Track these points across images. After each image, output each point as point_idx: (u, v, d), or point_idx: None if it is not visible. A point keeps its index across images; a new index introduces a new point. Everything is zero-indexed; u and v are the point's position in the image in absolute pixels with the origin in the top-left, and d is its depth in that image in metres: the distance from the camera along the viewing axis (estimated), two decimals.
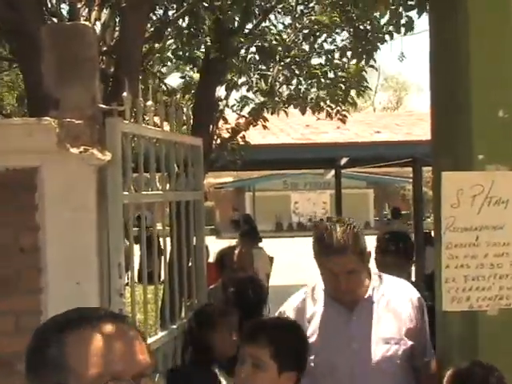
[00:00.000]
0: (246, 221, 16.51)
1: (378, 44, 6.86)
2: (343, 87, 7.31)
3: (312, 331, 2.59)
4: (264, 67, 7.15)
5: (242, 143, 7.65)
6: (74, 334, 1.15)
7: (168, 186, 3.56)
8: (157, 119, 3.66)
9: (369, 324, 2.55)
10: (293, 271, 15.90)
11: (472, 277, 2.57)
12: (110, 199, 2.85)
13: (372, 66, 7.10)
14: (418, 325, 2.62)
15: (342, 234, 2.43)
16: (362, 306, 2.58)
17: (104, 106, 2.92)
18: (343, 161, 13.22)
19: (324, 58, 7.39)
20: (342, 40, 7.30)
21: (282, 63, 7.19)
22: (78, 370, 1.13)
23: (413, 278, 10.33)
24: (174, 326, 3.62)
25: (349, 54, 7.18)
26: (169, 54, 7.12)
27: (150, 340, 3.30)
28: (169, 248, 3.77)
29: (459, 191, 2.56)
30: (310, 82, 7.45)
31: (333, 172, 15.27)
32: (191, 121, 4.24)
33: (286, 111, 7.68)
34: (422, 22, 4.07)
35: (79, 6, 5.07)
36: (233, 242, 7.03)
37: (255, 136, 9.93)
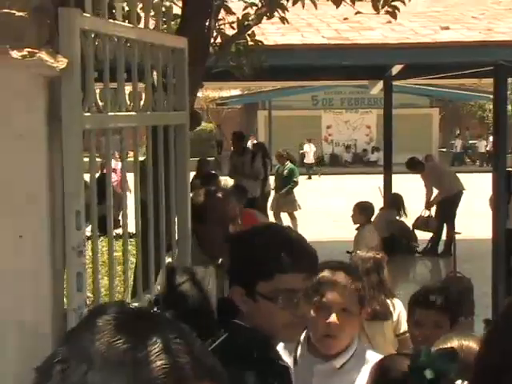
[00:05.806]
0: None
1: None
2: None
3: None
4: None
5: (251, 44, 7.56)
6: None
7: (142, 104, 3.55)
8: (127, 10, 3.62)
9: None
10: (325, 222, 15.94)
11: None
12: (65, 123, 2.86)
13: None
14: None
15: None
16: None
17: None
18: (396, 69, 13.15)
19: None
20: None
21: None
22: None
23: (489, 235, 10.39)
24: (148, 296, 3.61)
25: None
26: None
27: None
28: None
29: None
30: None
31: (381, 84, 15.20)
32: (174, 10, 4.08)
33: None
34: None
35: None
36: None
37: (272, 33, 9.84)
